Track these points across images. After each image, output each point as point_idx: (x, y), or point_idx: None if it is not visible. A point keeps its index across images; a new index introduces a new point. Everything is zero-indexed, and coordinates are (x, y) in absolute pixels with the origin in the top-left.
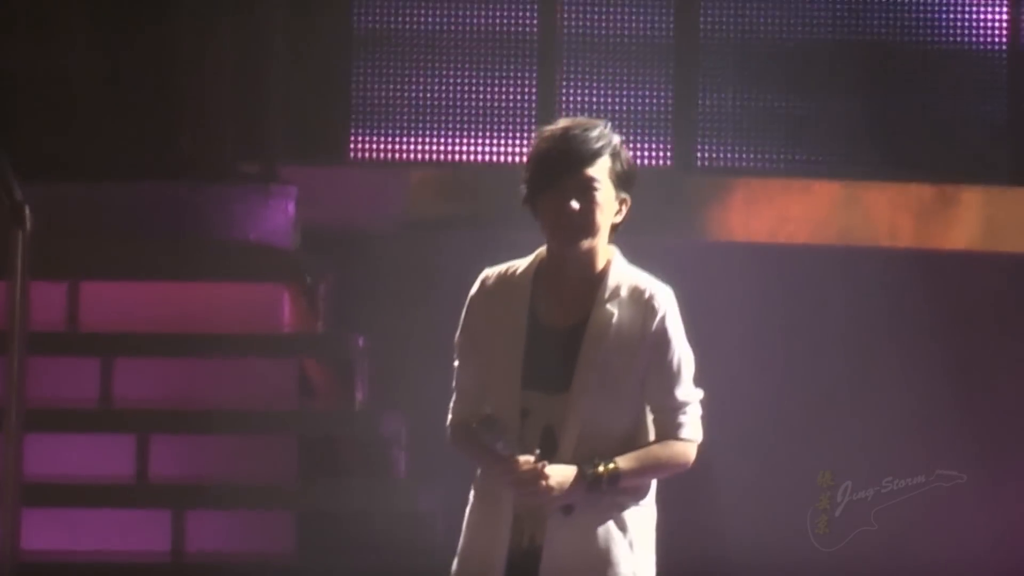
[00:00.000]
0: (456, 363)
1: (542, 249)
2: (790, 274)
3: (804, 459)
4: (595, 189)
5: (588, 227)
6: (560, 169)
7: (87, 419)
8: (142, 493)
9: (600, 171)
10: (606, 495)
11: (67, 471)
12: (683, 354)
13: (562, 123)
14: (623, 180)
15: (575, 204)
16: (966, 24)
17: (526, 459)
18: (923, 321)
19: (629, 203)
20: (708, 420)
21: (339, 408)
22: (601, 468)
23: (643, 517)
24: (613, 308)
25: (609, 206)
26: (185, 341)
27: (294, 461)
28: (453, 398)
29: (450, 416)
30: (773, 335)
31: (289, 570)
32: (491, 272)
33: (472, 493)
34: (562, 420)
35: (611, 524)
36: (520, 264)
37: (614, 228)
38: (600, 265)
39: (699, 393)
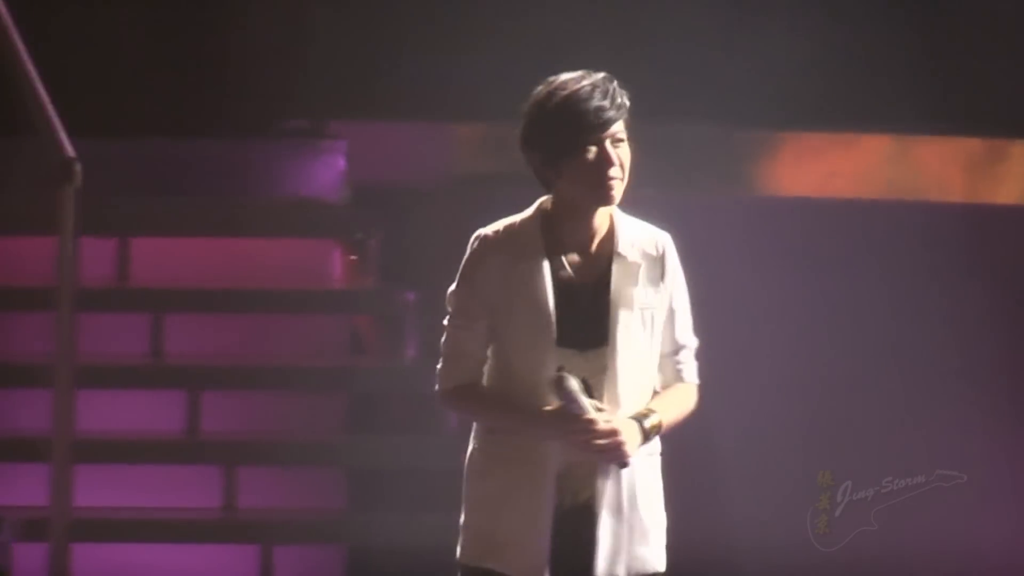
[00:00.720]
0: (451, 324)
1: (544, 201)
2: (836, 229)
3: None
4: (623, 140)
5: (626, 178)
6: (605, 120)
7: (138, 375)
8: (193, 449)
9: (626, 121)
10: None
11: (118, 427)
12: (687, 298)
13: (573, 75)
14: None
15: (614, 155)
16: None
17: (605, 418)
18: (970, 277)
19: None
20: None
21: (389, 364)
22: (653, 421)
23: (659, 466)
24: (633, 260)
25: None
26: (236, 297)
27: (344, 417)
28: (445, 361)
29: (446, 380)
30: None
31: (339, 526)
32: (490, 231)
33: (478, 450)
34: (601, 375)
35: (648, 475)
36: (517, 220)
37: None
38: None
39: (696, 340)
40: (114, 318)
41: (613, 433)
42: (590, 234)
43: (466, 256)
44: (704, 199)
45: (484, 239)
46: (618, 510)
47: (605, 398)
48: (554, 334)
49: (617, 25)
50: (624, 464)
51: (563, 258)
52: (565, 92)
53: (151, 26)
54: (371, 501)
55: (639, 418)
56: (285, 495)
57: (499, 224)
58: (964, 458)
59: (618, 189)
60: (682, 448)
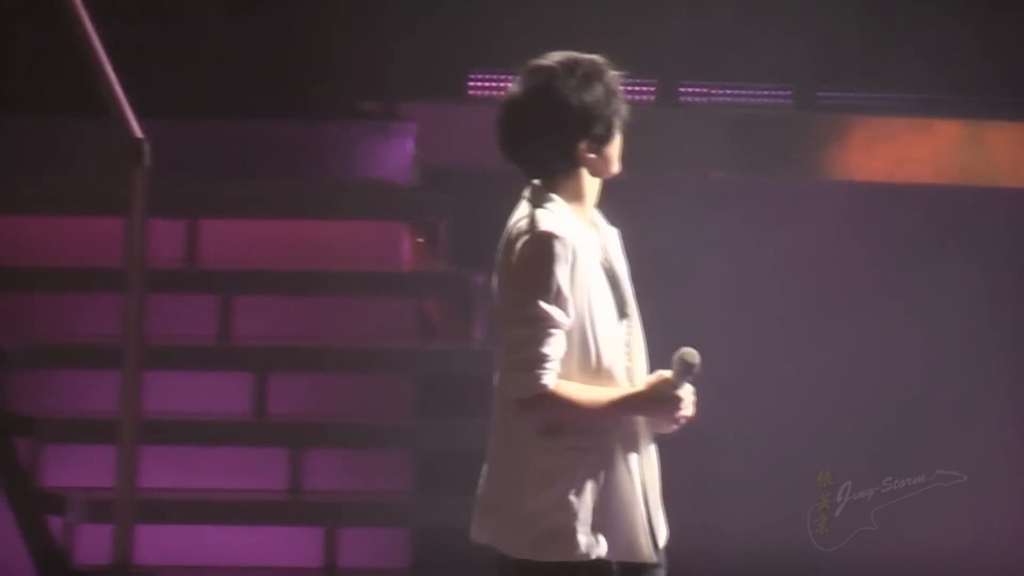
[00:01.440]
0: (542, 329)
1: (545, 190)
2: (909, 215)
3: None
4: None
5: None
6: (626, 117)
7: (205, 356)
8: (260, 431)
9: None
10: None
11: (185, 409)
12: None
13: (605, 61)
14: None
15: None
16: None
17: (689, 390)
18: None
19: None
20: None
21: (457, 347)
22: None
23: None
24: (610, 231)
25: None
26: (304, 279)
27: (413, 400)
28: (530, 367)
29: (536, 387)
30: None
31: (405, 509)
32: (561, 231)
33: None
34: (633, 344)
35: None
36: (557, 212)
37: None
38: None
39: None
40: (183, 299)
41: (688, 402)
42: (591, 215)
43: (552, 260)
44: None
45: (564, 240)
46: (655, 481)
47: (637, 367)
48: (615, 312)
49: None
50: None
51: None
52: (610, 72)
53: (224, 6)
54: (438, 484)
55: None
56: (352, 477)
57: (556, 220)
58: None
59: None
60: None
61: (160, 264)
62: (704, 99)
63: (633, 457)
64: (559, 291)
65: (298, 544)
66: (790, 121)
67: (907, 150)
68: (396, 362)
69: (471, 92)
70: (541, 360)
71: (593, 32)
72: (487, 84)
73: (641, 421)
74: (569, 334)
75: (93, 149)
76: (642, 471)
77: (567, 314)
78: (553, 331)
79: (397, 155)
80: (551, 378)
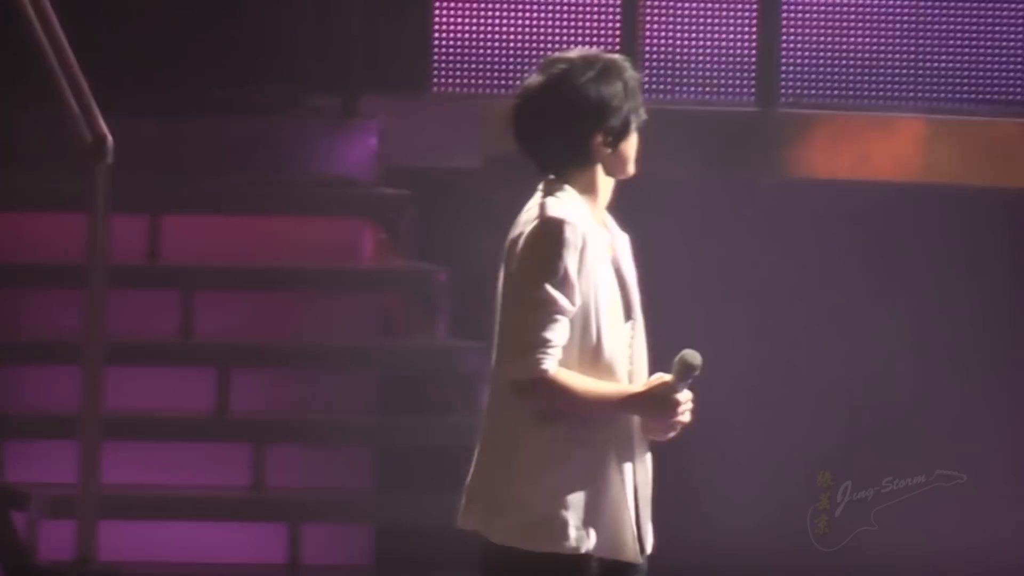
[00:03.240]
0: (546, 313)
1: (560, 184)
2: (871, 212)
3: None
4: None
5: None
6: (642, 114)
7: (167, 352)
8: (222, 427)
9: None
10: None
11: (147, 405)
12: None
13: (621, 57)
14: None
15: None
16: None
17: (687, 396)
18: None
19: None
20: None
21: (420, 343)
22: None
23: None
24: (621, 235)
25: None
26: (266, 275)
27: (374, 397)
28: (530, 350)
29: (535, 370)
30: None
31: (367, 505)
32: (574, 218)
33: (561, 442)
34: (636, 346)
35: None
36: (569, 203)
37: None
38: None
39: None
40: (144, 295)
41: (685, 407)
42: (602, 215)
43: (561, 245)
44: (737, 180)
45: (575, 227)
46: (645, 484)
47: (638, 371)
48: (622, 311)
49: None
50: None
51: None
52: (629, 67)
53: (186, 2)
54: (400, 481)
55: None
56: (314, 474)
57: (569, 209)
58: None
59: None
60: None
61: (122, 260)
62: (666, 96)
63: (626, 457)
64: (566, 276)
65: (261, 540)
66: (752, 118)
67: (868, 147)
68: (358, 359)
69: (434, 88)
70: (543, 344)
71: (555, 25)
72: (449, 80)
73: (636, 425)
74: (573, 322)
75: (56, 145)
76: (635, 474)
77: (572, 302)
78: (557, 316)
79: (359, 151)
80: (551, 363)
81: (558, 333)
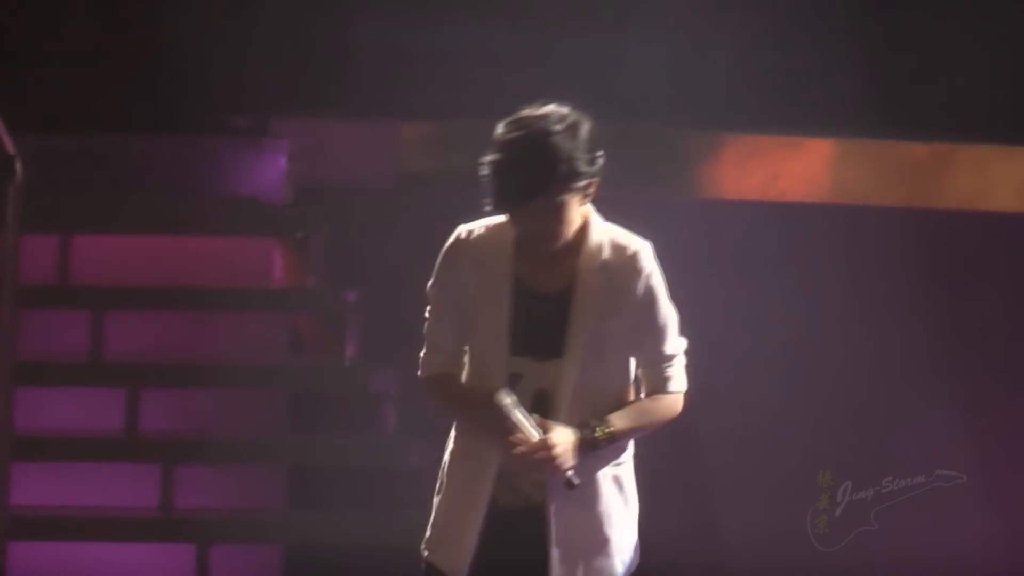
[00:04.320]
0: (428, 314)
1: None
2: (781, 233)
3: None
4: (548, 211)
5: (552, 239)
6: (506, 203)
7: (77, 373)
8: (131, 447)
9: (550, 195)
10: (601, 455)
11: (57, 425)
12: (668, 309)
13: (507, 137)
14: (584, 176)
15: (532, 226)
16: None
17: (540, 432)
18: (916, 282)
19: (600, 173)
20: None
21: (329, 363)
22: (599, 432)
23: (630, 470)
24: (599, 272)
25: (571, 210)
26: (176, 295)
27: (284, 416)
28: (425, 350)
29: (424, 368)
30: (765, 299)
31: (277, 525)
32: (469, 228)
33: (451, 447)
34: (555, 385)
35: (609, 481)
36: (498, 223)
37: (587, 197)
38: (576, 230)
39: (684, 343)
40: (54, 315)
41: (544, 446)
42: (559, 247)
43: (442, 251)
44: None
45: (458, 238)
46: (575, 515)
47: (559, 408)
48: (506, 342)
49: (569, 24)
50: (570, 484)
51: (529, 266)
52: (486, 158)
53: (95, 20)
54: (309, 500)
55: (584, 428)
56: (223, 494)
57: (481, 223)
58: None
59: (538, 248)
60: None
61: (32, 280)
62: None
63: (488, 475)
64: (439, 283)
65: (170, 561)
66: (662, 137)
67: (778, 167)
68: (268, 378)
69: (343, 108)
70: (425, 348)
71: (468, 49)
72: (360, 99)
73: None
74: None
75: None
76: (512, 498)
77: (447, 307)
78: (434, 318)
79: (269, 171)
80: (430, 366)
81: (435, 337)
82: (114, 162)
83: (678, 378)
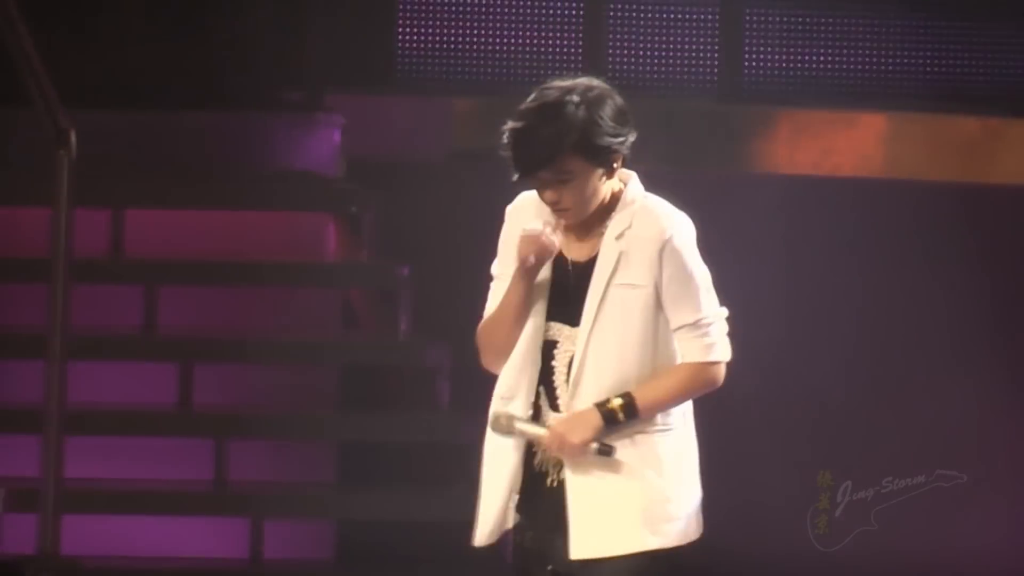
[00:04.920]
0: (492, 284)
1: None
2: (833, 208)
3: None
4: (562, 181)
5: (570, 210)
6: (520, 169)
7: (130, 347)
8: (185, 422)
9: (561, 164)
10: (628, 426)
11: (110, 399)
12: (697, 271)
13: (526, 105)
14: (601, 150)
15: (549, 194)
16: None
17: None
18: (966, 257)
19: (625, 147)
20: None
21: (382, 338)
22: (614, 403)
23: (675, 439)
24: (621, 242)
25: (588, 182)
26: (230, 270)
27: (337, 391)
28: (485, 316)
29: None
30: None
31: (329, 500)
32: (522, 201)
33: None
34: (578, 352)
35: (640, 450)
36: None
37: (612, 171)
38: (609, 197)
39: (723, 311)
40: (108, 290)
41: (556, 439)
42: (594, 216)
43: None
44: (699, 174)
45: (510, 210)
46: (592, 489)
47: (583, 376)
48: (543, 308)
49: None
50: (603, 453)
51: (568, 236)
52: (505, 126)
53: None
54: (362, 475)
55: (601, 401)
56: (276, 468)
57: (528, 196)
58: (964, 458)
59: (561, 217)
60: None
61: (85, 254)
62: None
63: (511, 451)
64: (499, 253)
65: (223, 534)
66: (714, 112)
67: (831, 142)
68: (320, 354)
69: (398, 83)
70: (485, 312)
71: (517, 25)
72: (414, 75)
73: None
74: None
75: (19, 139)
76: (543, 473)
77: (504, 276)
78: (496, 285)
79: (323, 146)
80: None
81: (496, 300)
82: (169, 138)
83: (712, 346)
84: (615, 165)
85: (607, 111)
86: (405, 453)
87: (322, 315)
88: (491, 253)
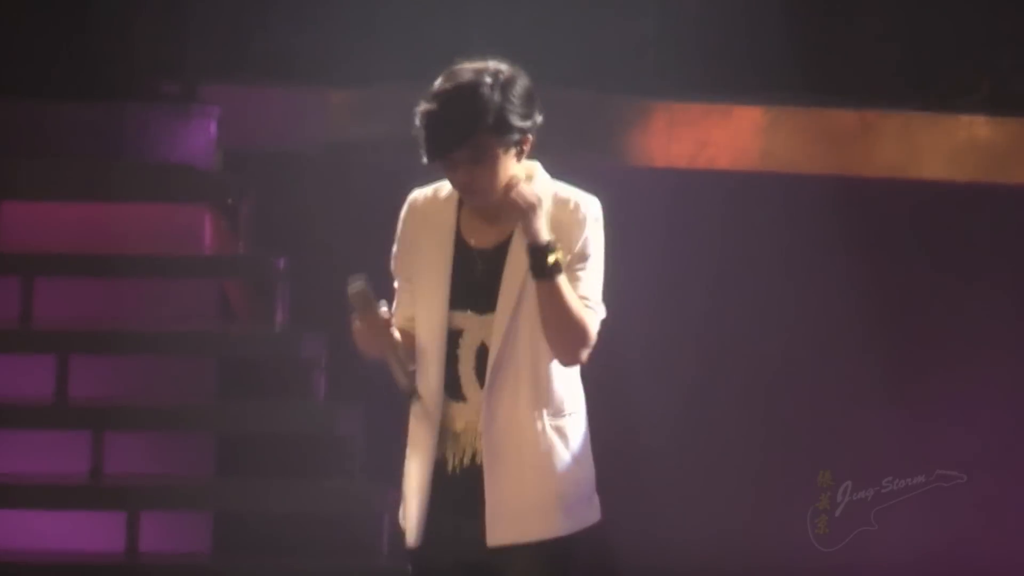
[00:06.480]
0: (396, 290)
1: None
2: (710, 201)
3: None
4: (476, 160)
5: (482, 191)
6: (434, 150)
7: (7, 339)
8: (61, 414)
9: (476, 145)
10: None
11: None
12: (599, 256)
13: (440, 87)
14: (515, 131)
15: (461, 175)
16: None
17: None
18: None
19: (534, 130)
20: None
21: (259, 330)
22: (555, 256)
23: (578, 423)
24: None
25: (500, 163)
26: (106, 262)
27: (213, 383)
28: (395, 310)
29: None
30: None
31: (206, 492)
32: (419, 193)
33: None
34: (491, 339)
35: (551, 433)
36: (447, 185)
37: (521, 153)
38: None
39: (602, 308)
40: None
41: (520, 192)
42: (499, 202)
43: (399, 218)
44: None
45: (410, 203)
46: (508, 474)
47: (496, 362)
48: (445, 296)
49: None
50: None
51: (471, 223)
52: (417, 107)
53: None
54: (239, 468)
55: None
56: (153, 461)
57: (430, 187)
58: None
59: (471, 199)
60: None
61: None
62: None
63: (429, 438)
64: (396, 246)
65: (99, 528)
66: (591, 104)
67: (707, 135)
68: (197, 345)
69: (273, 74)
70: (394, 308)
71: (395, 14)
72: (289, 66)
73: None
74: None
75: None
76: (455, 457)
77: (402, 269)
78: (399, 284)
79: (198, 137)
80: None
81: (398, 299)
82: (42, 129)
83: (592, 319)
84: (525, 148)
85: (518, 92)
86: (282, 445)
87: (199, 307)
88: (367, 245)
